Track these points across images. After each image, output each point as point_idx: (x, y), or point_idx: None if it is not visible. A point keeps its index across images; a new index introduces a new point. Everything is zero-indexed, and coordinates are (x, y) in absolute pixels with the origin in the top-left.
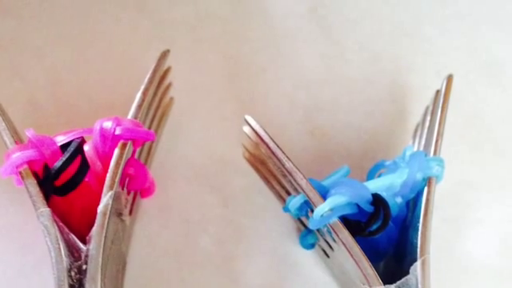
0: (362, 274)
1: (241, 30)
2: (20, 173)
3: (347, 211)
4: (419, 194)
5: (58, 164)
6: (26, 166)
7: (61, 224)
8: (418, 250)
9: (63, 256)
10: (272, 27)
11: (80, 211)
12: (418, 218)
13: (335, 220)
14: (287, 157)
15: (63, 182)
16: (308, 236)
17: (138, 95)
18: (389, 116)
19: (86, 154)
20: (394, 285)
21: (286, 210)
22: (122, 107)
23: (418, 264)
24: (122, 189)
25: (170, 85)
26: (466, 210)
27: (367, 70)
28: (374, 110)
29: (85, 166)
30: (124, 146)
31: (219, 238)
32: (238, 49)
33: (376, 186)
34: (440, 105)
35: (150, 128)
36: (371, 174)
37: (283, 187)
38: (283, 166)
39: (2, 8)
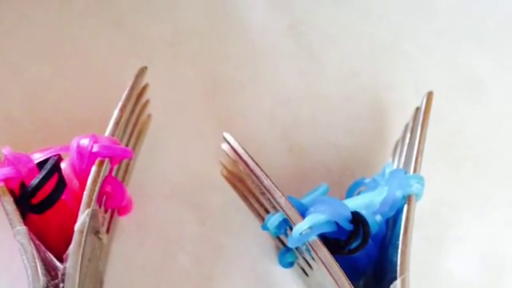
0: None
1: (219, 47)
2: None
3: (326, 229)
4: (399, 212)
5: (34, 182)
6: (2, 184)
7: (37, 242)
8: (398, 268)
9: (40, 275)
10: (251, 44)
11: (57, 229)
12: (398, 236)
13: (314, 238)
14: (266, 174)
15: (40, 199)
16: (287, 254)
17: (116, 112)
18: (368, 133)
19: (63, 172)
20: None
21: (264, 228)
22: (99, 124)
23: (397, 282)
24: (100, 207)
25: (147, 102)
26: (445, 228)
27: (346, 87)
28: (354, 127)
29: (62, 183)
30: (101, 163)
31: (197, 257)
32: (216, 66)
33: (355, 203)
34: (420, 122)
35: (127, 145)
36: (350, 192)
37: (262, 205)
38: (262, 183)
39: None
